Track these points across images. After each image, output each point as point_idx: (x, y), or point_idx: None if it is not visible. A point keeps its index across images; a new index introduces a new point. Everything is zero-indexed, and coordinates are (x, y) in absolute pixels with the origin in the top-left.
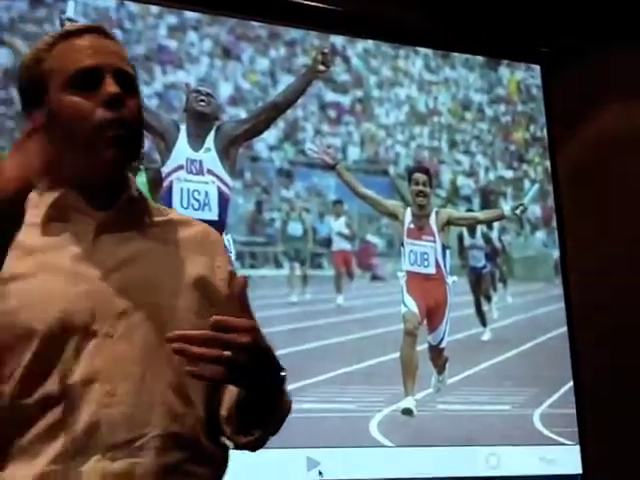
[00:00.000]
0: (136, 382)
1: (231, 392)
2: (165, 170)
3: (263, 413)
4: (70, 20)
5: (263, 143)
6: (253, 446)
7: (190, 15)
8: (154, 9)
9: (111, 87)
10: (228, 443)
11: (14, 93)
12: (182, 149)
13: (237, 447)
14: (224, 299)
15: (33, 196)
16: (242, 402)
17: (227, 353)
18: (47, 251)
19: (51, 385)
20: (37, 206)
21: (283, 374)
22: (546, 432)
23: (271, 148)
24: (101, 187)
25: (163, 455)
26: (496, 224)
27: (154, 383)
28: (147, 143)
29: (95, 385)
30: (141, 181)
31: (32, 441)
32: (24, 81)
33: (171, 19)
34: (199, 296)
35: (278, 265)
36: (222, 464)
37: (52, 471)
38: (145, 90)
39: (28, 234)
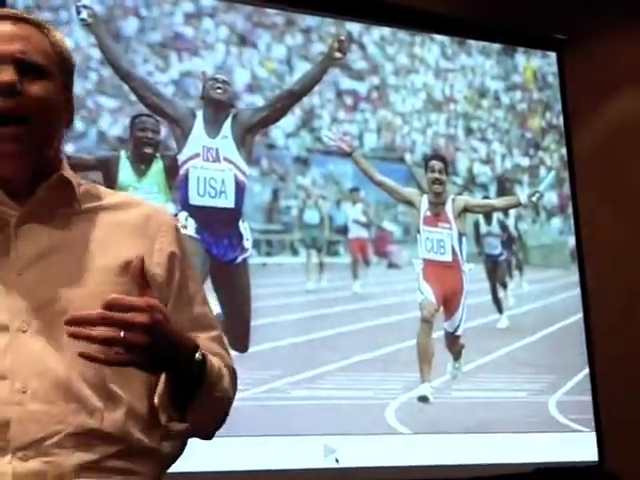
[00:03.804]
0: (50, 379)
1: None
2: (181, 158)
3: (190, 398)
4: (85, 7)
5: (279, 131)
6: (193, 434)
7: (206, 2)
8: None
9: (4, 75)
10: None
11: None
12: (198, 137)
13: (180, 436)
14: (162, 283)
15: None
16: (168, 387)
17: (122, 334)
18: None
19: None
20: None
21: (198, 356)
22: (562, 419)
23: (287, 136)
24: (17, 179)
25: (81, 452)
26: (512, 211)
27: (70, 379)
28: (163, 131)
29: (5, 382)
30: (157, 169)
31: None
32: None
33: (187, 6)
34: (126, 282)
35: (295, 253)
36: (166, 456)
37: None
38: (161, 78)
39: None
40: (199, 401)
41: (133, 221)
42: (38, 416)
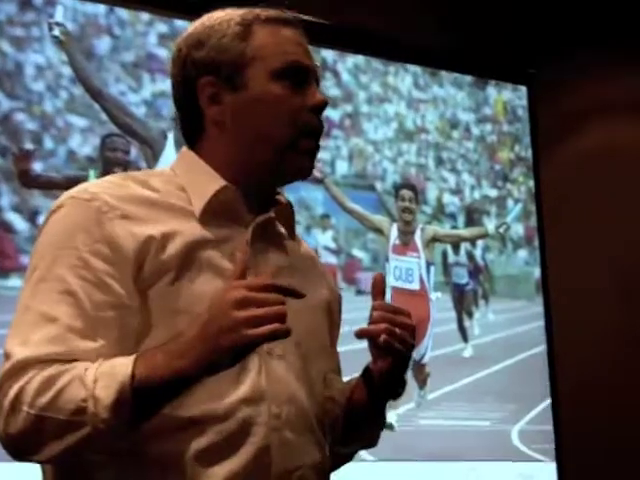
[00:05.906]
0: (297, 406)
1: (333, 406)
2: None
3: (370, 422)
4: (58, 25)
5: None
6: (345, 460)
7: (181, 24)
8: (144, 16)
9: (321, 95)
10: None
11: None
12: (169, 158)
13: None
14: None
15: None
16: (355, 410)
17: (400, 331)
18: (206, 246)
19: (213, 401)
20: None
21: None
22: (524, 448)
23: None
24: (265, 189)
25: None
26: (480, 242)
27: (309, 409)
28: (134, 151)
29: (263, 406)
30: None
31: (190, 462)
32: (216, 52)
33: (161, 27)
34: (327, 320)
35: None
36: None
37: None
38: (133, 98)
39: (183, 222)
40: (374, 427)
41: (311, 256)
42: (291, 445)
